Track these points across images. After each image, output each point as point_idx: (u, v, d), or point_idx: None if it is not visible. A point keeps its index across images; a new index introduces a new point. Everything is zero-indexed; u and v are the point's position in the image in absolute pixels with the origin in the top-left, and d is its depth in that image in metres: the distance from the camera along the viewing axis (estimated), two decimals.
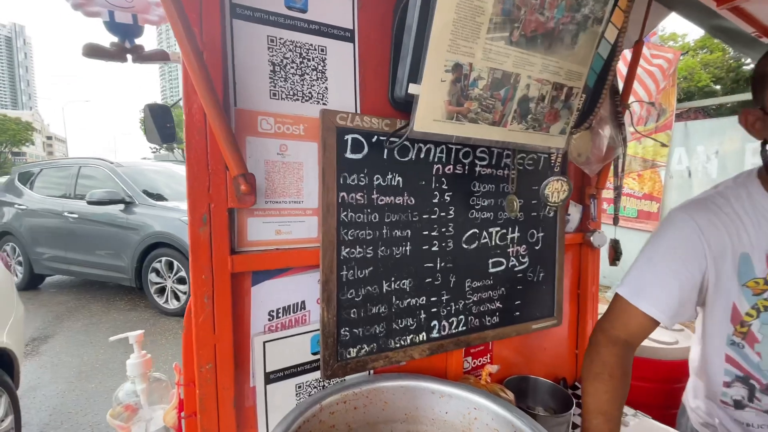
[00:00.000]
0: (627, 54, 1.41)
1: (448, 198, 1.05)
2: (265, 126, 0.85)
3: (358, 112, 0.93)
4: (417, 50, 0.71)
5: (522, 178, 1.15)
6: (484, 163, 1.10)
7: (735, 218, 0.79)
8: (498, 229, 1.15)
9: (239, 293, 0.85)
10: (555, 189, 0.94)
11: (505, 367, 1.33)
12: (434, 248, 1.04)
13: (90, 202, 5.11)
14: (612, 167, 1.36)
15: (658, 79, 3.96)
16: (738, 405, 0.88)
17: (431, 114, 0.74)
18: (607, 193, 1.46)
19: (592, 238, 1.37)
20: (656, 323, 0.84)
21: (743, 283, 0.79)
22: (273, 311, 0.89)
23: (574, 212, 1.40)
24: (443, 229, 1.05)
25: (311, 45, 0.87)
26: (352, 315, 0.92)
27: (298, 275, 0.92)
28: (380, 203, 0.94)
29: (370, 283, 0.94)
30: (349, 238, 0.90)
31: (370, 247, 0.94)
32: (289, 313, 0.92)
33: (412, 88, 0.71)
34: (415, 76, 0.73)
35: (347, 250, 0.90)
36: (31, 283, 6.25)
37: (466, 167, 1.07)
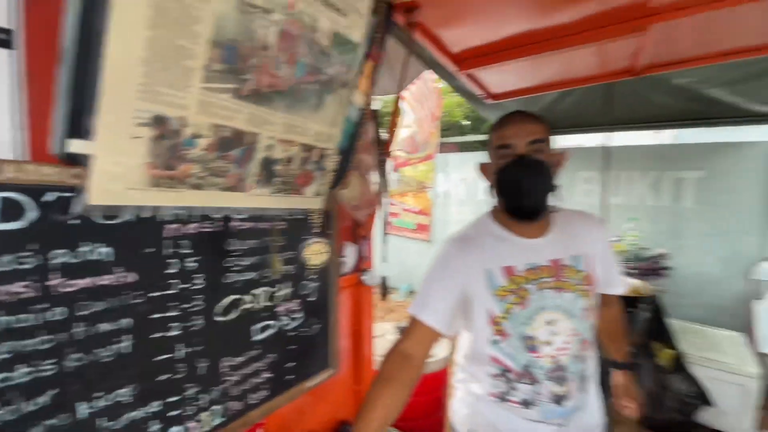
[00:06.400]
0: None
1: (194, 265, 0.83)
2: None
3: (24, 155, 0.61)
4: (83, 90, 0.48)
5: (290, 231, 1.04)
6: (244, 215, 0.94)
7: (480, 243, 0.99)
8: (266, 288, 1.01)
9: None
10: (315, 251, 0.87)
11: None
12: (173, 333, 0.80)
13: None
14: (378, 211, 1.44)
15: (431, 113, 4.81)
16: (502, 398, 1.01)
17: (123, 181, 0.53)
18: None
19: (365, 278, 1.41)
20: (437, 333, 0.96)
21: (492, 292, 0.96)
22: None
23: (350, 254, 1.42)
24: (187, 306, 0.83)
25: None
26: None
27: None
28: (69, 290, 0.64)
29: (54, 413, 0.63)
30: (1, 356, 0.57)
31: (50, 360, 0.62)
32: None
33: (78, 146, 0.47)
34: (81, 127, 0.49)
35: None
36: None
37: (219, 224, 0.88)
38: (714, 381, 2.32)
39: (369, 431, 0.84)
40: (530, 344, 0.97)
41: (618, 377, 1.23)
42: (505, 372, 1.00)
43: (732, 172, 3.18)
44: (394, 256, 5.56)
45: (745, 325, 2.91)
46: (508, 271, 0.98)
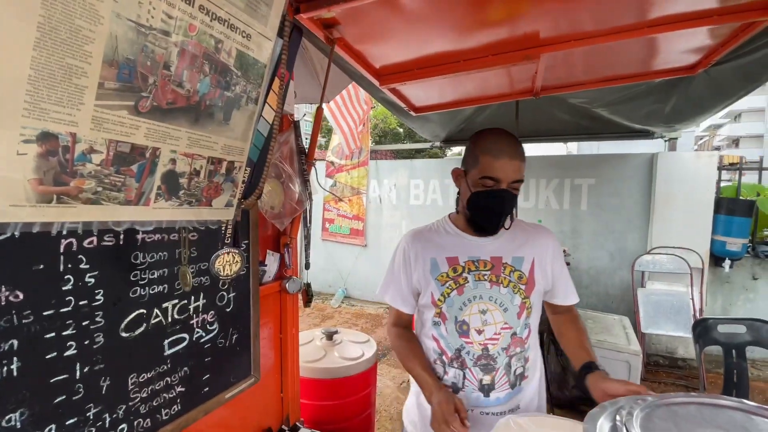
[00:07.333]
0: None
1: (92, 280, 0.80)
2: None
3: None
4: None
5: (203, 241, 1.04)
6: (150, 227, 0.92)
7: (430, 237, 1.15)
8: (176, 302, 0.99)
9: None
10: (226, 262, 0.89)
11: None
12: (69, 352, 0.77)
13: None
14: (302, 218, 1.47)
15: (357, 124, 4.88)
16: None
17: (6, 198, 0.51)
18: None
19: (287, 286, 1.44)
20: (407, 312, 1.18)
21: (435, 277, 1.09)
22: None
23: (272, 262, 1.43)
24: (86, 323, 0.79)
25: None
26: None
27: None
28: None
29: None
30: None
31: None
32: None
33: None
34: None
35: None
36: None
37: (121, 237, 0.86)
38: (606, 360, 2.68)
39: (427, 371, 1.07)
40: (463, 329, 1.07)
41: (593, 382, 0.97)
42: (441, 355, 1.11)
43: (618, 179, 3.71)
44: (330, 261, 5.56)
45: (630, 310, 3.40)
46: (451, 260, 1.10)
